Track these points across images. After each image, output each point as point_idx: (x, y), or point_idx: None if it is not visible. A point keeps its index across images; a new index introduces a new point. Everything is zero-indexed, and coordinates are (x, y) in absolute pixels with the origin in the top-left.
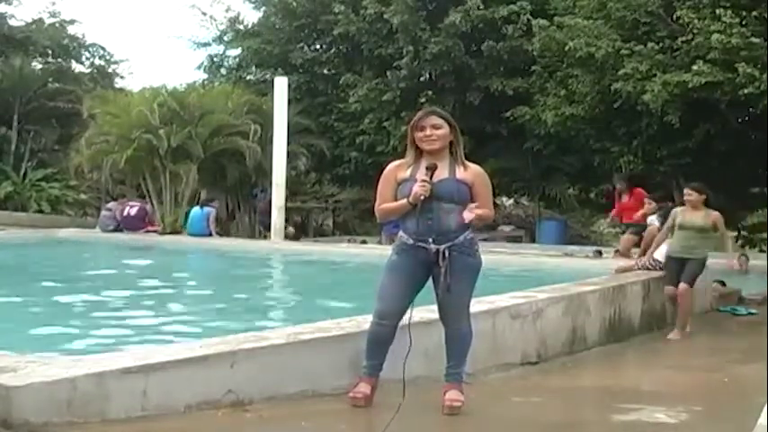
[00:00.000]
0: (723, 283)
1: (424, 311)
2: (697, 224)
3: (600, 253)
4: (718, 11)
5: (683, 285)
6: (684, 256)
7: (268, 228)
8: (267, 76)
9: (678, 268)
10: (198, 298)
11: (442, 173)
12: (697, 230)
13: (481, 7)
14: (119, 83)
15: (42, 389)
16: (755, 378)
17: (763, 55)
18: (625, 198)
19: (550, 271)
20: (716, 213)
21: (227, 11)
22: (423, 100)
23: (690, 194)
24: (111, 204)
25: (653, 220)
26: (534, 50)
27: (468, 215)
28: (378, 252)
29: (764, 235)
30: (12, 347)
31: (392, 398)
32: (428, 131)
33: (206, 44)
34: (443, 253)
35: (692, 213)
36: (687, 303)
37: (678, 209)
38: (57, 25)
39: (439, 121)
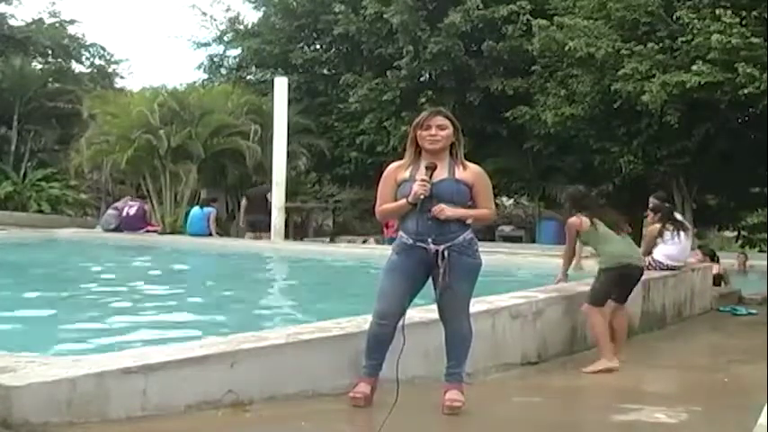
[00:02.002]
0: (713, 254)
1: (424, 311)
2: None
3: None
4: (718, 11)
5: (583, 306)
6: None
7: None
8: (267, 76)
9: None
10: (198, 298)
11: (442, 173)
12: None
13: (481, 7)
14: (119, 83)
15: (42, 389)
16: (755, 378)
17: (763, 55)
18: None
19: (550, 271)
20: (570, 220)
21: (227, 11)
22: (423, 100)
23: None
24: (119, 203)
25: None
26: (534, 50)
27: (437, 209)
28: (378, 252)
29: (764, 235)
30: (12, 347)
31: (392, 398)
32: (433, 131)
33: (206, 44)
34: (442, 253)
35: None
36: (593, 326)
37: None
38: (57, 25)
39: (444, 121)
